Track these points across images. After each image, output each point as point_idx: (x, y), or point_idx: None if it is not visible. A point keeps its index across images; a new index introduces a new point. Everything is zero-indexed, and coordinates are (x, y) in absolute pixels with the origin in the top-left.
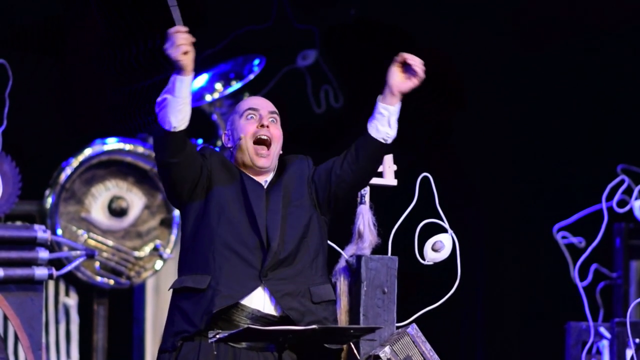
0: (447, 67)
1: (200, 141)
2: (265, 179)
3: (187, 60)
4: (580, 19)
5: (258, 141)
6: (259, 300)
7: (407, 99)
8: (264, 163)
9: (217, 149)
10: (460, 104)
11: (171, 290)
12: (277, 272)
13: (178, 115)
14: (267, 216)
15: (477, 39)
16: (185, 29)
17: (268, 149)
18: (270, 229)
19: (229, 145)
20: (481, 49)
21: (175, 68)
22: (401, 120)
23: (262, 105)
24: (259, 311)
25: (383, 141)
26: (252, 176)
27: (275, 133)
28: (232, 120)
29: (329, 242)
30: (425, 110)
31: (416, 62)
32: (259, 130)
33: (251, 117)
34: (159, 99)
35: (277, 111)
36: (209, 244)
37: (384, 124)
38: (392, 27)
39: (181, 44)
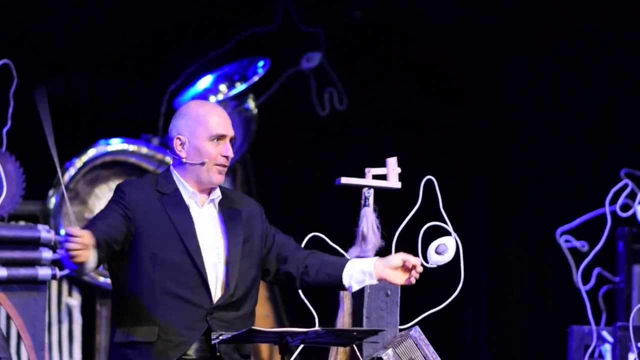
0: (449, 69)
1: None
2: (212, 198)
3: (83, 262)
4: (584, 20)
5: (220, 165)
6: (206, 338)
7: (411, 101)
8: (221, 179)
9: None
10: (463, 106)
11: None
12: (223, 314)
13: (81, 271)
14: (216, 228)
15: (478, 40)
16: (80, 234)
17: (225, 168)
18: (230, 265)
19: (183, 156)
20: (483, 50)
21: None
22: (405, 123)
23: (228, 128)
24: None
25: (348, 289)
26: (197, 193)
27: (232, 154)
28: (193, 132)
29: (332, 244)
30: (429, 113)
31: (416, 275)
32: (222, 159)
33: (216, 141)
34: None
35: (234, 133)
36: (149, 292)
37: (361, 283)
38: (396, 29)
39: (75, 252)
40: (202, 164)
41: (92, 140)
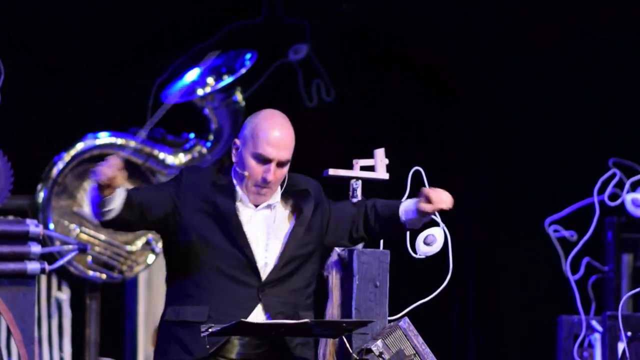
0: (446, 69)
1: (192, 135)
2: (269, 202)
3: (104, 190)
4: (584, 20)
5: (258, 186)
6: (256, 317)
7: (401, 95)
8: (260, 198)
9: (205, 164)
10: (453, 100)
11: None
12: (274, 289)
13: (102, 216)
14: (269, 231)
15: (477, 40)
16: (119, 163)
17: (266, 190)
18: (271, 246)
19: (234, 160)
20: (476, 48)
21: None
22: (395, 115)
23: (279, 152)
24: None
25: (404, 224)
26: (249, 200)
27: (279, 176)
28: (245, 142)
29: None
30: (420, 106)
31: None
32: (261, 181)
33: (260, 162)
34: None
35: (290, 156)
36: (199, 272)
37: (418, 224)
38: (386, 20)
39: (103, 178)
40: (244, 176)
41: (80, 134)
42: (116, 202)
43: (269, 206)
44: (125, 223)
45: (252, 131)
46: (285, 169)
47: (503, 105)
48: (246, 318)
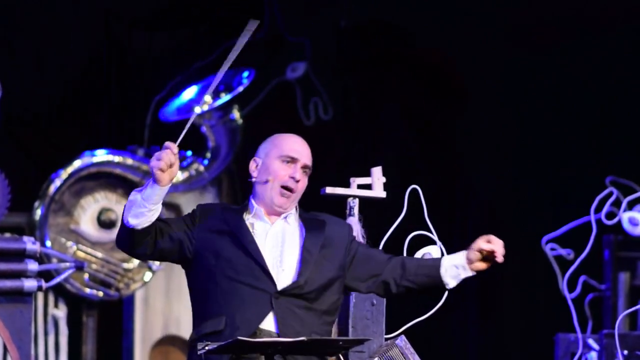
0: (442, 65)
1: (189, 153)
2: (284, 215)
3: (164, 176)
4: (574, 17)
5: (285, 187)
6: (268, 325)
7: (401, 96)
8: (284, 203)
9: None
10: (449, 114)
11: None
12: (289, 300)
13: (140, 217)
14: (284, 241)
15: (478, 40)
16: (176, 149)
17: (291, 193)
18: (287, 254)
19: (254, 176)
20: (477, 48)
21: (152, 176)
22: (392, 132)
23: (302, 155)
24: (268, 331)
25: (446, 286)
26: (265, 215)
27: (302, 185)
28: (267, 153)
29: None
30: (414, 122)
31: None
32: (288, 180)
33: (287, 163)
34: (132, 193)
35: (311, 165)
36: (213, 285)
37: (457, 278)
38: (395, 30)
39: (165, 162)
40: (267, 181)
41: (78, 151)
42: (159, 209)
43: (284, 218)
44: (144, 240)
45: (273, 142)
46: (306, 180)
47: (501, 126)
48: (259, 323)
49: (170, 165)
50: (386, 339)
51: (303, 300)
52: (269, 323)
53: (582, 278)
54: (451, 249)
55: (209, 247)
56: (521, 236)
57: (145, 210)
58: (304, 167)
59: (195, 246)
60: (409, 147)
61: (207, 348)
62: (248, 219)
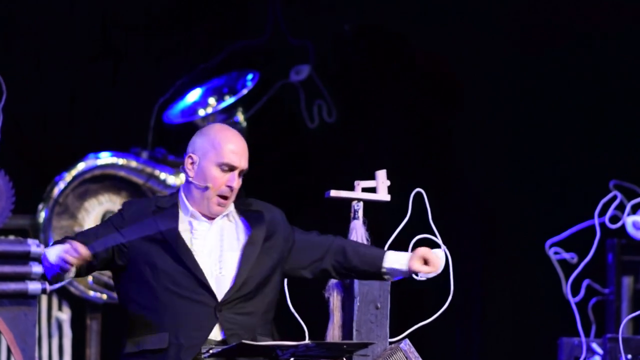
0: (440, 66)
1: None
2: (220, 212)
3: (64, 273)
4: (571, 30)
5: (222, 196)
6: (215, 337)
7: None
8: (220, 212)
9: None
10: (453, 117)
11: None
12: (231, 310)
13: (59, 279)
14: (223, 244)
15: (477, 42)
16: (88, 254)
17: (227, 200)
18: (226, 259)
19: (190, 175)
20: (478, 52)
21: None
22: (396, 135)
23: (242, 161)
24: (214, 343)
25: (386, 278)
26: (197, 213)
27: (237, 186)
28: (205, 154)
29: None
30: (418, 125)
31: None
32: (225, 190)
33: (225, 170)
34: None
35: (247, 166)
36: (153, 299)
37: (398, 275)
38: (392, 32)
39: (70, 262)
40: (206, 188)
41: (82, 153)
42: (72, 271)
43: (224, 216)
44: (76, 274)
45: (212, 143)
46: (240, 180)
47: (504, 128)
48: (205, 338)
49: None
50: (390, 343)
51: (244, 303)
52: (215, 335)
53: (585, 282)
54: (456, 253)
55: (143, 257)
56: (524, 240)
57: (62, 278)
58: (242, 172)
59: (128, 254)
60: (411, 150)
61: (211, 351)
62: (183, 220)
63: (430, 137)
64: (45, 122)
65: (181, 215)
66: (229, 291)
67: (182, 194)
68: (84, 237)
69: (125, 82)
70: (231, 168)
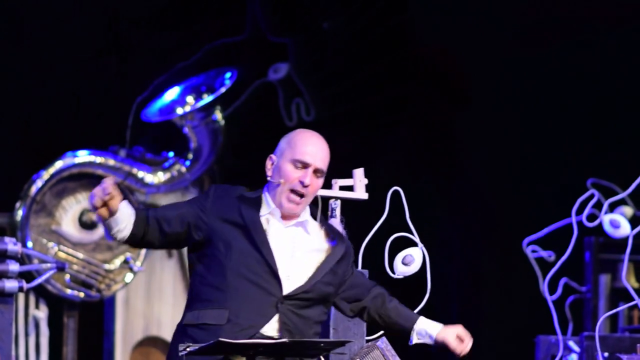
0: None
1: (171, 154)
2: (299, 220)
3: (102, 212)
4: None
5: (294, 192)
6: (272, 327)
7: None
8: (292, 208)
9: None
10: (434, 116)
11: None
12: (291, 306)
13: (118, 234)
14: (295, 247)
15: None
16: (114, 181)
17: (301, 199)
18: (295, 261)
19: (269, 174)
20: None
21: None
22: (375, 132)
23: (316, 158)
24: (270, 336)
25: (409, 337)
26: (280, 215)
27: (313, 189)
28: (282, 152)
29: None
30: (401, 121)
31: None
32: (297, 184)
33: (299, 167)
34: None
35: (325, 168)
36: (222, 277)
37: (421, 339)
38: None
39: (97, 200)
40: (278, 184)
41: (60, 152)
42: (123, 223)
43: (297, 224)
44: (143, 241)
45: (289, 142)
46: (320, 182)
47: (481, 128)
48: (263, 325)
49: (105, 203)
50: (367, 341)
51: (304, 307)
52: (272, 325)
53: (563, 280)
54: (434, 251)
55: (220, 235)
56: (502, 238)
57: (115, 231)
58: (317, 170)
59: (206, 231)
60: (388, 147)
61: (188, 349)
62: (264, 214)
63: (411, 136)
64: (23, 120)
65: (262, 209)
66: (297, 288)
67: (265, 193)
68: (155, 208)
69: (103, 80)
70: (304, 165)
